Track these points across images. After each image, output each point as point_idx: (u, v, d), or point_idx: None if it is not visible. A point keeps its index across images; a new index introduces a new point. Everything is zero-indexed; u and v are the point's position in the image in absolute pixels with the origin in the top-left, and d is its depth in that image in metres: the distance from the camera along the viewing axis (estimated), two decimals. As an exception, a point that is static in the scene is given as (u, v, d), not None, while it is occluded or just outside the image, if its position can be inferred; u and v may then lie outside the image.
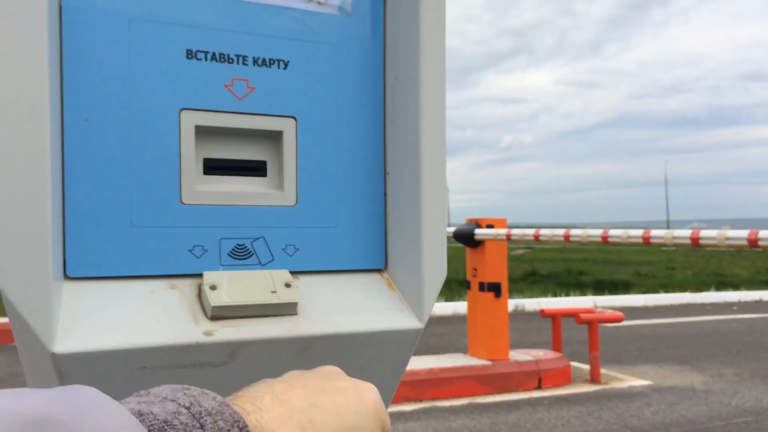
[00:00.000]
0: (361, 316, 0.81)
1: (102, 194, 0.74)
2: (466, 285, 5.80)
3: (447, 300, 10.22)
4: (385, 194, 0.88)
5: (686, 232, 4.03)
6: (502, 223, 5.59)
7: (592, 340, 5.54)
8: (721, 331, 8.42)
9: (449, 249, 0.88)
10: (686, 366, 6.28)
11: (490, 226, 5.50)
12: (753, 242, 3.58)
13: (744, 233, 3.63)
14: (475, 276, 5.63)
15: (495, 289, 5.55)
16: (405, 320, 0.82)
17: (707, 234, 3.91)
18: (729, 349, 7.18)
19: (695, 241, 3.96)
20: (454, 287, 11.11)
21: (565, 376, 5.56)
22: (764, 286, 13.87)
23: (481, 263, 5.56)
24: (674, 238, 4.09)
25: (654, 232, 4.24)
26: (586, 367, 5.82)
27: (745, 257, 22.80)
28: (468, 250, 5.67)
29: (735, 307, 11.15)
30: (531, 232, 5.11)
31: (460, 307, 9.51)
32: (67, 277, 0.73)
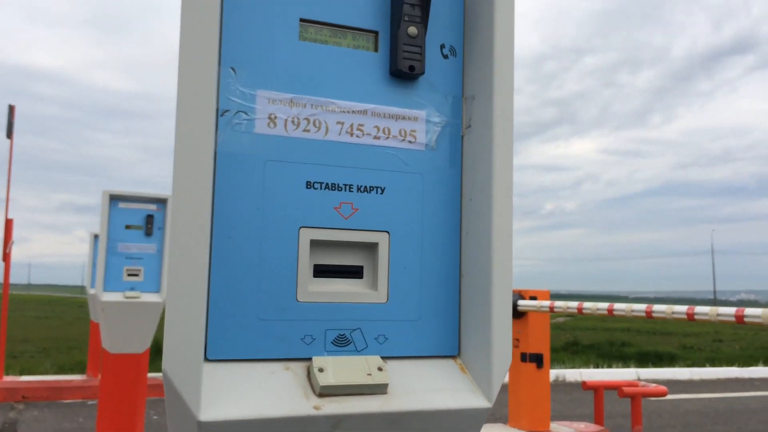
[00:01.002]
0: (440, 395, 0.97)
1: (237, 294, 0.93)
2: (509, 355, 5.85)
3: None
4: (459, 293, 1.05)
5: (731, 310, 4.07)
6: (545, 295, 5.68)
7: (635, 413, 5.51)
8: (771, 409, 8.22)
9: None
10: (734, 444, 6.17)
11: (533, 298, 5.59)
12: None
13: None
14: (517, 346, 5.69)
15: (537, 359, 5.60)
16: (476, 400, 0.98)
17: (752, 312, 3.94)
18: (778, 427, 7.03)
19: (740, 319, 3.99)
20: (494, 355, 11.04)
21: (609, 451, 5.53)
22: (816, 362, 13.46)
23: (524, 334, 5.63)
24: (719, 315, 4.13)
25: (698, 309, 4.28)
26: (630, 441, 5.77)
27: (796, 331, 22.13)
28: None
29: (785, 384, 10.86)
30: (574, 304, 5.18)
31: (501, 376, 9.46)
32: (206, 359, 0.92)
